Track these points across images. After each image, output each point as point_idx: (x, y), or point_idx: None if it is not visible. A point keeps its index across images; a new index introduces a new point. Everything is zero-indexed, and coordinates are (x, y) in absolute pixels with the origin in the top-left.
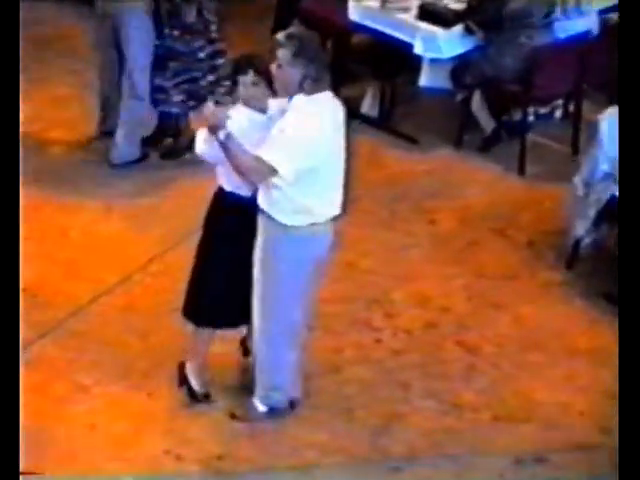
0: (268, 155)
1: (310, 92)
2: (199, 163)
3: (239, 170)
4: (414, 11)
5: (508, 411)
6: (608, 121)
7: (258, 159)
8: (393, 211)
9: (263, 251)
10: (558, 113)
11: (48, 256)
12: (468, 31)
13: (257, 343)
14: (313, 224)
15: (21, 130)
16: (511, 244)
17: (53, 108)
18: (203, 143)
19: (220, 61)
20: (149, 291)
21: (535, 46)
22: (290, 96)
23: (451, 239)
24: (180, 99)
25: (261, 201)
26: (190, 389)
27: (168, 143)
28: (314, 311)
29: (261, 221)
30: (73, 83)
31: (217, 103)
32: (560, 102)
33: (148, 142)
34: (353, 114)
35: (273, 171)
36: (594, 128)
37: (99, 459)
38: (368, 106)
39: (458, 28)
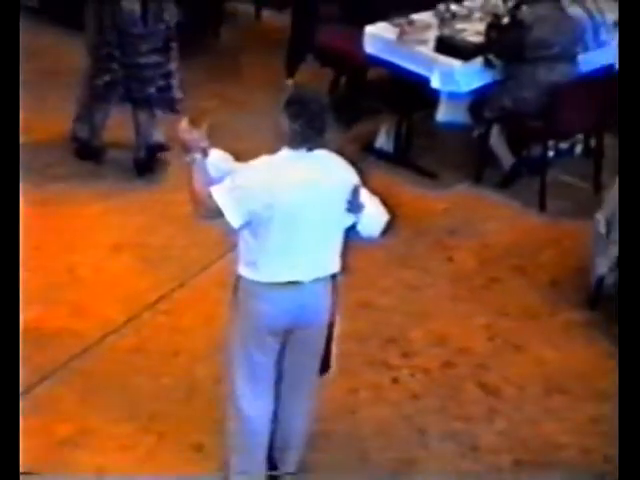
0: (218, 195)
1: (295, 146)
2: None
3: (193, 198)
4: (432, 44)
5: (530, 455)
6: None
7: (210, 196)
8: (410, 248)
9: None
10: (579, 149)
11: (54, 295)
12: (488, 64)
13: None
14: (258, 282)
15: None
16: (532, 283)
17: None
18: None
19: None
20: (159, 330)
21: (556, 80)
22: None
23: (470, 277)
24: None
25: None
26: None
27: None
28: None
29: None
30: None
31: (192, 122)
32: (581, 137)
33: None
34: (368, 149)
35: (220, 212)
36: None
37: None
38: (383, 142)
39: (477, 61)
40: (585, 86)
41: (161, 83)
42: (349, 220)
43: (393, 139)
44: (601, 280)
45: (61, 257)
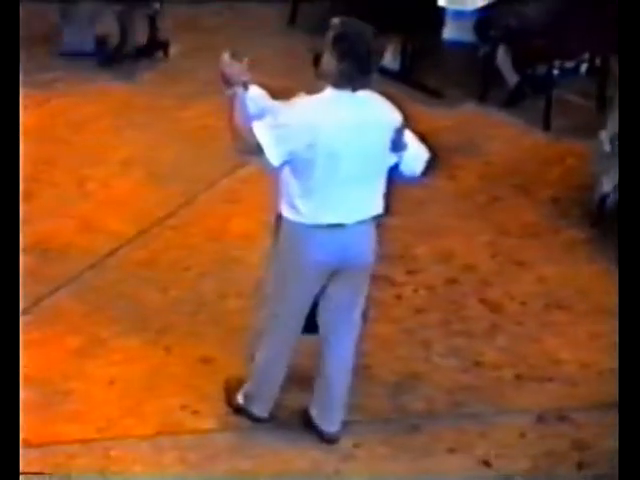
0: (260, 131)
1: (340, 86)
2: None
3: (233, 132)
4: None
5: (530, 369)
6: None
7: (251, 131)
8: None
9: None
10: (584, 68)
11: (63, 209)
12: None
13: None
14: (301, 224)
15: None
16: (535, 201)
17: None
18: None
19: None
20: (168, 245)
21: None
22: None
23: (474, 195)
24: None
25: None
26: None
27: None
28: None
29: None
30: None
31: (234, 55)
32: (586, 56)
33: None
34: None
35: (260, 149)
36: None
37: (114, 414)
38: (389, 60)
39: None
40: (592, 5)
41: None
42: (392, 160)
43: (399, 58)
44: (604, 198)
45: (71, 172)
